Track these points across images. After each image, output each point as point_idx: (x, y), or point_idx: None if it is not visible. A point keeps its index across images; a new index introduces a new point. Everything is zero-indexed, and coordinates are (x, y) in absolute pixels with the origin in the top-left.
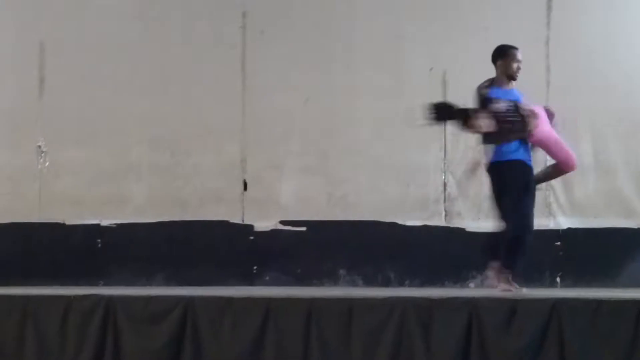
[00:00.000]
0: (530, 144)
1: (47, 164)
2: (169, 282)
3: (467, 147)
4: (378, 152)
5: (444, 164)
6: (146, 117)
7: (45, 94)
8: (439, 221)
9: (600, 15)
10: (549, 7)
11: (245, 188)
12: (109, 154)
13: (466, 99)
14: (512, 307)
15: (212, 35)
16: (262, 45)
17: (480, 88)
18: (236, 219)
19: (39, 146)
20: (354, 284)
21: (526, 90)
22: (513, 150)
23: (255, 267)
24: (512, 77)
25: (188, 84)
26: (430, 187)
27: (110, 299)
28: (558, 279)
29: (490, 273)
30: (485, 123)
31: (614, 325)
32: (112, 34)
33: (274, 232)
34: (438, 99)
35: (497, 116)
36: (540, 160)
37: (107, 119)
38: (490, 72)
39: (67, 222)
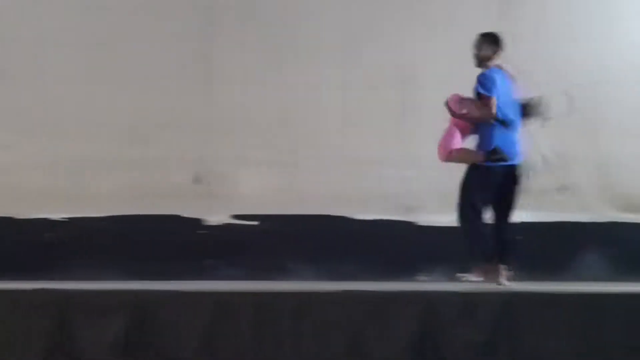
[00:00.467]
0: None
1: None
2: (121, 276)
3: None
4: (337, 145)
5: (403, 157)
6: (100, 109)
7: (0, 86)
8: (395, 215)
9: (560, 7)
10: None
11: (198, 181)
12: (61, 147)
13: (426, 93)
14: (466, 300)
15: (176, 28)
16: (226, 39)
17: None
18: (188, 213)
19: None
20: (307, 278)
21: None
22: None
23: (207, 261)
24: None
25: (152, 77)
26: (389, 180)
27: (63, 293)
28: (511, 273)
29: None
30: None
31: (566, 319)
32: (73, 26)
33: (225, 227)
34: (399, 93)
35: None
36: None
37: (59, 111)
38: (452, 66)
39: (17, 217)
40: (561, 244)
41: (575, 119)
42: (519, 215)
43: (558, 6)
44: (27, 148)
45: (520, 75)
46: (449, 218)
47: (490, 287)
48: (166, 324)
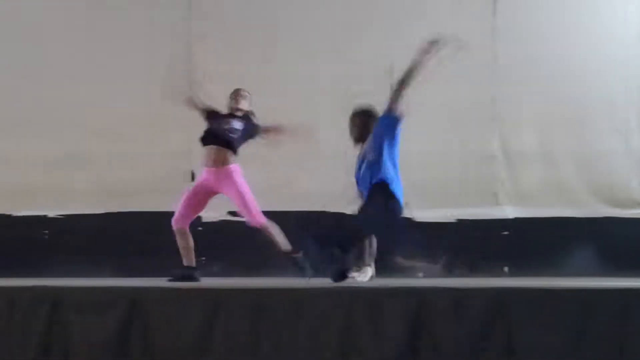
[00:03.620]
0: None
1: None
2: (115, 273)
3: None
4: (328, 141)
5: None
6: (91, 106)
7: None
8: None
9: (548, 2)
10: None
11: (192, 179)
12: (55, 144)
13: (412, 90)
14: (460, 295)
15: (158, 24)
16: (208, 35)
17: None
18: None
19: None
20: (302, 274)
21: (473, 80)
22: None
23: (203, 258)
24: None
25: (135, 73)
26: None
27: (57, 290)
28: (506, 269)
29: None
30: None
31: (560, 314)
32: (54, 22)
33: (222, 223)
34: (385, 88)
35: None
36: None
37: (53, 109)
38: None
39: (14, 214)
40: (555, 240)
41: (564, 113)
42: (508, 211)
43: (546, 3)
44: (23, 145)
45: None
46: (435, 214)
47: (484, 282)
48: (160, 321)
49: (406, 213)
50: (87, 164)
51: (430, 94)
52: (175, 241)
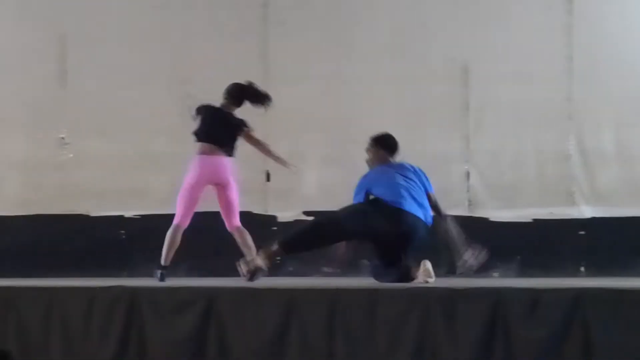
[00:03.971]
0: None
1: (71, 155)
2: (191, 273)
3: (489, 136)
4: (399, 141)
5: (467, 153)
6: (168, 107)
7: (68, 86)
8: (462, 211)
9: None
10: None
11: (268, 179)
12: (132, 145)
13: (487, 89)
14: (536, 296)
15: (233, 26)
16: (283, 36)
17: None
18: (259, 210)
19: (62, 138)
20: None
21: (549, 79)
22: None
23: (278, 258)
24: None
25: (209, 75)
26: (452, 176)
27: (134, 290)
28: (582, 268)
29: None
30: None
31: (638, 314)
32: (134, 25)
33: (297, 223)
34: (459, 88)
35: None
36: None
37: (130, 110)
38: (514, 62)
39: (91, 214)
40: (632, 239)
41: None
42: (585, 210)
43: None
44: (100, 146)
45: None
46: (512, 213)
47: (560, 283)
48: (236, 321)
49: None
50: (163, 165)
51: (505, 93)
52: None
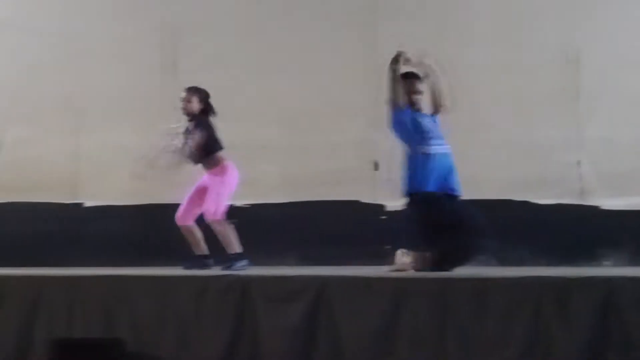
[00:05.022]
0: None
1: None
2: (300, 261)
3: (601, 124)
4: (510, 129)
5: (578, 140)
6: (277, 96)
7: (180, 75)
8: (573, 199)
9: None
10: None
11: (376, 168)
12: (243, 134)
13: (599, 76)
14: None
15: (343, 15)
16: (393, 24)
17: None
18: (368, 199)
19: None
20: (486, 262)
21: None
22: None
23: (387, 247)
24: None
25: (320, 63)
26: (563, 164)
27: (246, 278)
28: None
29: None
30: None
31: None
32: (244, 14)
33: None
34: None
35: None
36: None
37: (240, 99)
38: (627, 47)
39: None
40: None
41: None
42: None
43: None
44: None
45: None
46: (624, 202)
47: None
48: (347, 309)
49: None
50: (271, 154)
51: (617, 80)
52: (359, 230)
